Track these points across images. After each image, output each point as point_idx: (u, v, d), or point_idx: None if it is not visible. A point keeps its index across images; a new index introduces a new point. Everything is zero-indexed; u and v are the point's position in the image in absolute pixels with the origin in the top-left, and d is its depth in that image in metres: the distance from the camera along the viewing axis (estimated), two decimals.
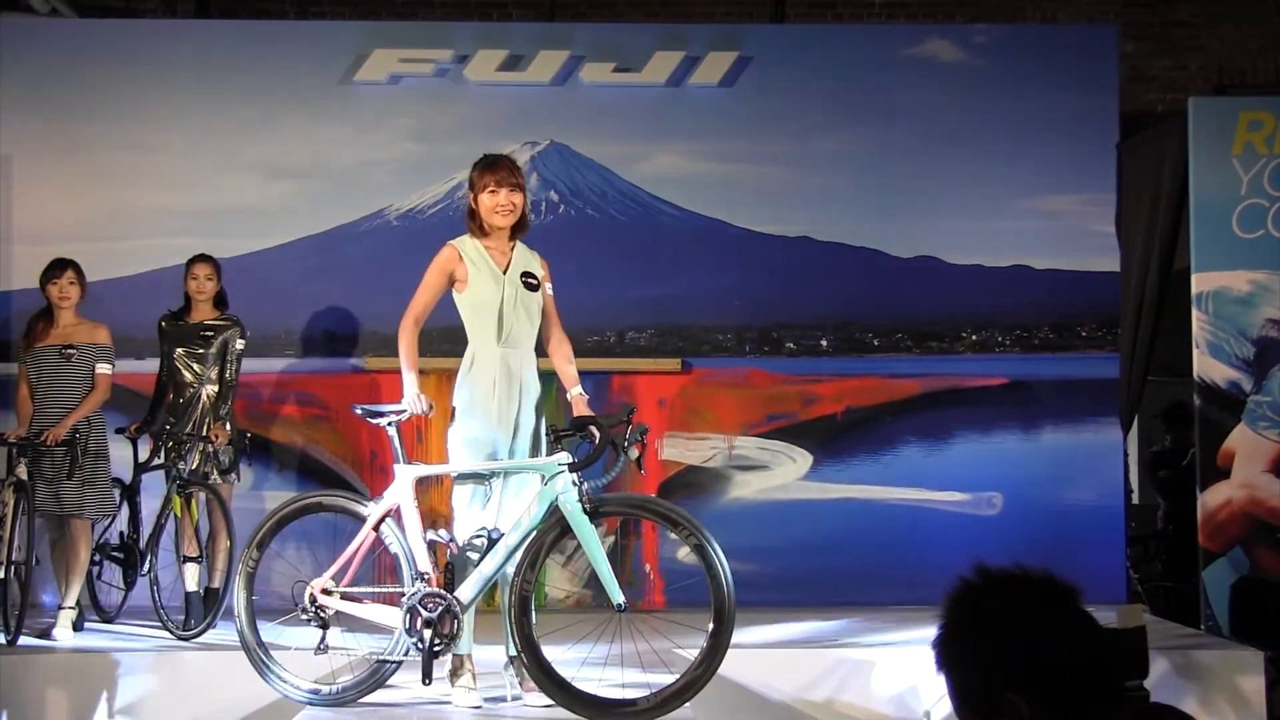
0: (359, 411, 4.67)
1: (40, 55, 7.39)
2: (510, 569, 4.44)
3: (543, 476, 4.41)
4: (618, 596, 4.31)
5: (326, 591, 4.53)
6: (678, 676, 4.36)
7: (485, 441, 4.57)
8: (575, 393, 4.66)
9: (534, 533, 4.38)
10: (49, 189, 7.33)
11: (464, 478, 4.57)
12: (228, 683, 5.33)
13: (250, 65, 7.46)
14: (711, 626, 4.37)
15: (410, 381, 4.56)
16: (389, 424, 4.54)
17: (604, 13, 8.33)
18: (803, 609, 6.79)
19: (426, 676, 4.42)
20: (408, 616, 4.40)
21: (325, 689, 4.55)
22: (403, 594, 4.46)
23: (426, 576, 4.43)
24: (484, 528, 4.49)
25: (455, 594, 4.41)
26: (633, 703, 4.32)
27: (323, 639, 4.48)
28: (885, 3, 8.42)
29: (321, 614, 4.51)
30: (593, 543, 4.33)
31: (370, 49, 7.47)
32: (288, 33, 7.79)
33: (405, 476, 4.52)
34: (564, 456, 4.38)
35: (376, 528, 4.52)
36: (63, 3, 7.69)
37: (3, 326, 7.26)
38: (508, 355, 4.63)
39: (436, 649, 4.40)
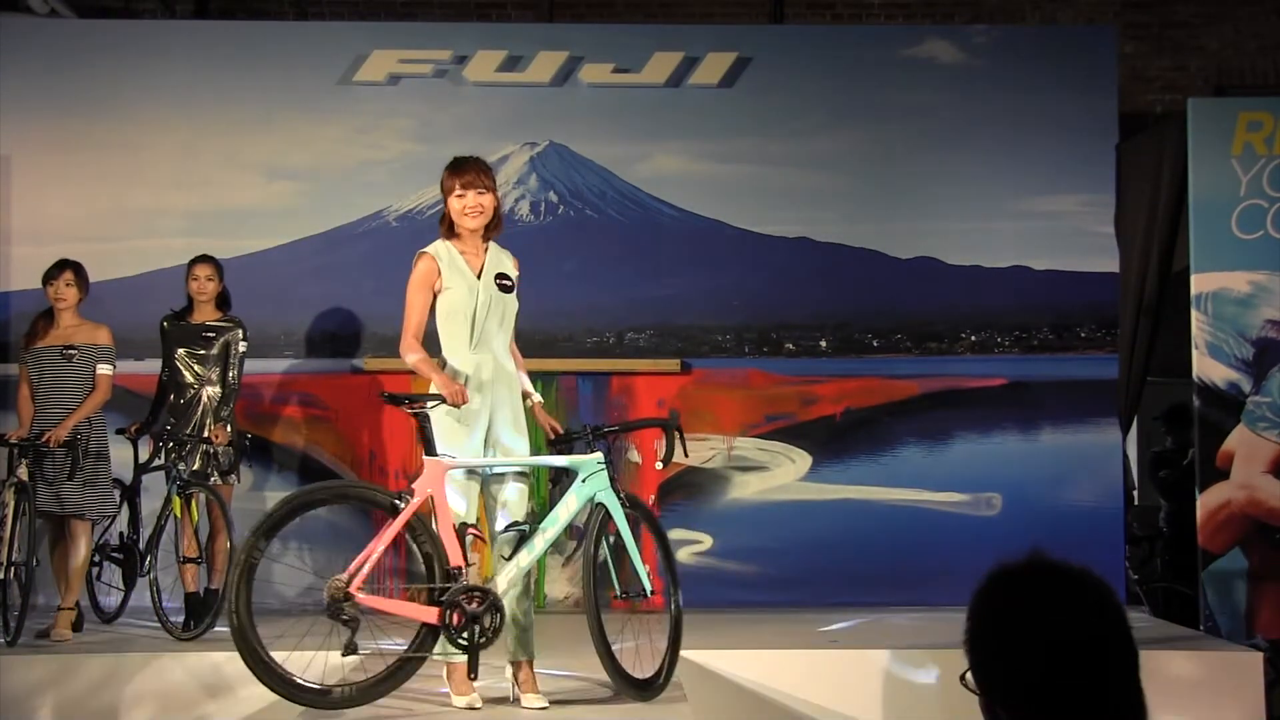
0: (388, 399, 4.50)
1: (40, 55, 7.40)
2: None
3: (579, 474, 4.56)
4: (649, 585, 4.60)
5: (351, 590, 4.28)
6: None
7: (458, 446, 4.50)
8: (536, 400, 4.74)
9: (573, 527, 4.64)
10: (49, 189, 7.34)
11: (474, 473, 4.53)
12: (228, 683, 5.33)
13: (249, 66, 7.46)
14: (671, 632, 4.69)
15: (440, 375, 4.44)
16: (420, 413, 4.38)
17: (603, 13, 8.33)
18: (802, 609, 6.81)
19: (474, 672, 4.39)
20: (448, 613, 4.28)
21: (338, 690, 4.29)
22: (433, 589, 4.32)
23: (463, 571, 4.34)
24: (515, 522, 4.51)
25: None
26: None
27: (351, 639, 4.23)
28: (884, 3, 8.42)
29: (351, 613, 4.24)
30: (629, 536, 4.58)
31: (369, 50, 7.48)
32: (287, 33, 7.78)
33: (437, 469, 4.37)
34: (600, 455, 4.56)
35: (407, 522, 4.33)
36: (62, 3, 7.69)
37: (2, 327, 7.27)
38: (480, 361, 4.57)
39: (481, 644, 4.33)
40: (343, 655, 4.25)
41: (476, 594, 4.32)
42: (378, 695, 4.29)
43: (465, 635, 4.29)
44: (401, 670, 4.30)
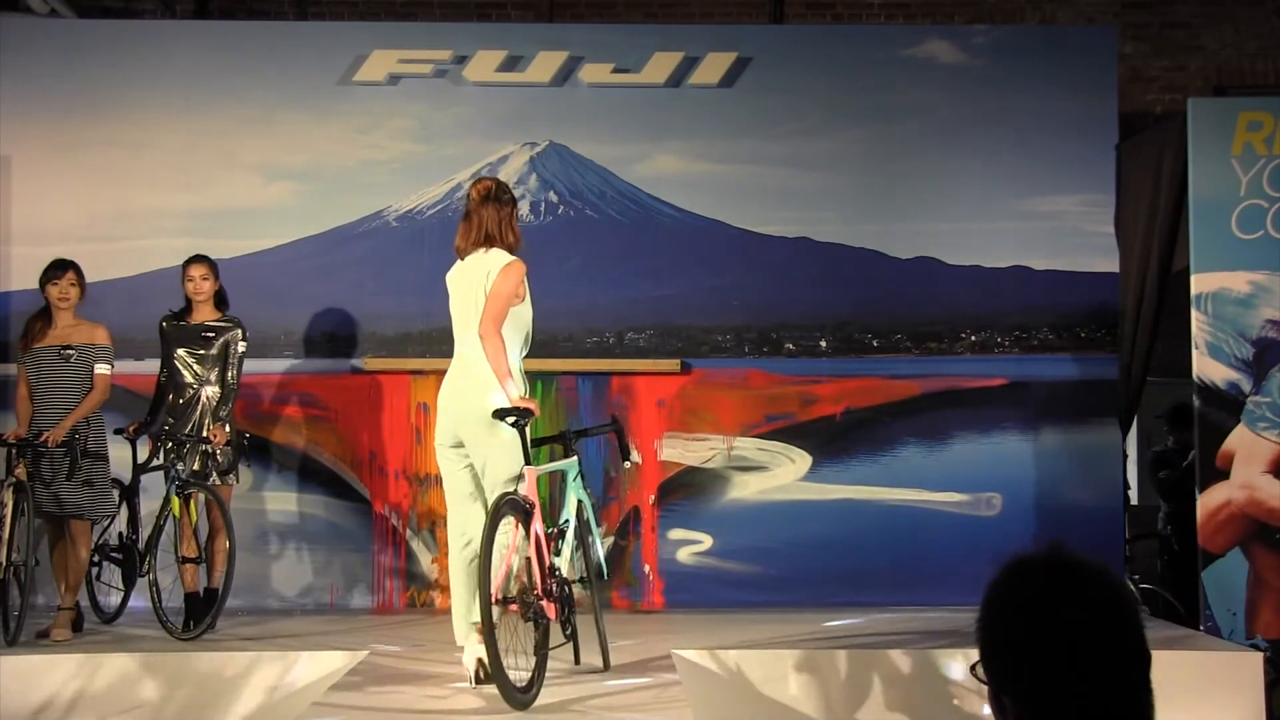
0: (498, 414, 4.59)
1: (40, 55, 7.39)
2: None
3: (569, 474, 4.97)
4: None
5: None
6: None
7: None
8: None
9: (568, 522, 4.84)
10: (48, 189, 7.33)
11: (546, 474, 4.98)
12: (228, 683, 5.33)
13: (249, 66, 7.46)
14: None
15: (521, 391, 4.71)
16: (523, 425, 4.62)
17: (603, 13, 8.32)
18: (802, 609, 6.80)
19: (578, 658, 4.80)
20: (560, 607, 4.59)
21: (533, 691, 4.44)
22: (546, 586, 4.54)
23: (558, 569, 4.62)
24: (566, 518, 4.87)
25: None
26: None
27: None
28: (884, 3, 8.41)
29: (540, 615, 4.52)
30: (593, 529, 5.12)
31: (369, 49, 7.47)
32: (287, 33, 7.78)
33: (533, 476, 4.65)
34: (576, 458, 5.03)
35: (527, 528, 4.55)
36: (62, 3, 7.69)
37: (2, 327, 7.26)
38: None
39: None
40: (535, 653, 4.49)
41: (567, 586, 4.68)
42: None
43: (568, 625, 4.69)
44: (544, 665, 4.50)
